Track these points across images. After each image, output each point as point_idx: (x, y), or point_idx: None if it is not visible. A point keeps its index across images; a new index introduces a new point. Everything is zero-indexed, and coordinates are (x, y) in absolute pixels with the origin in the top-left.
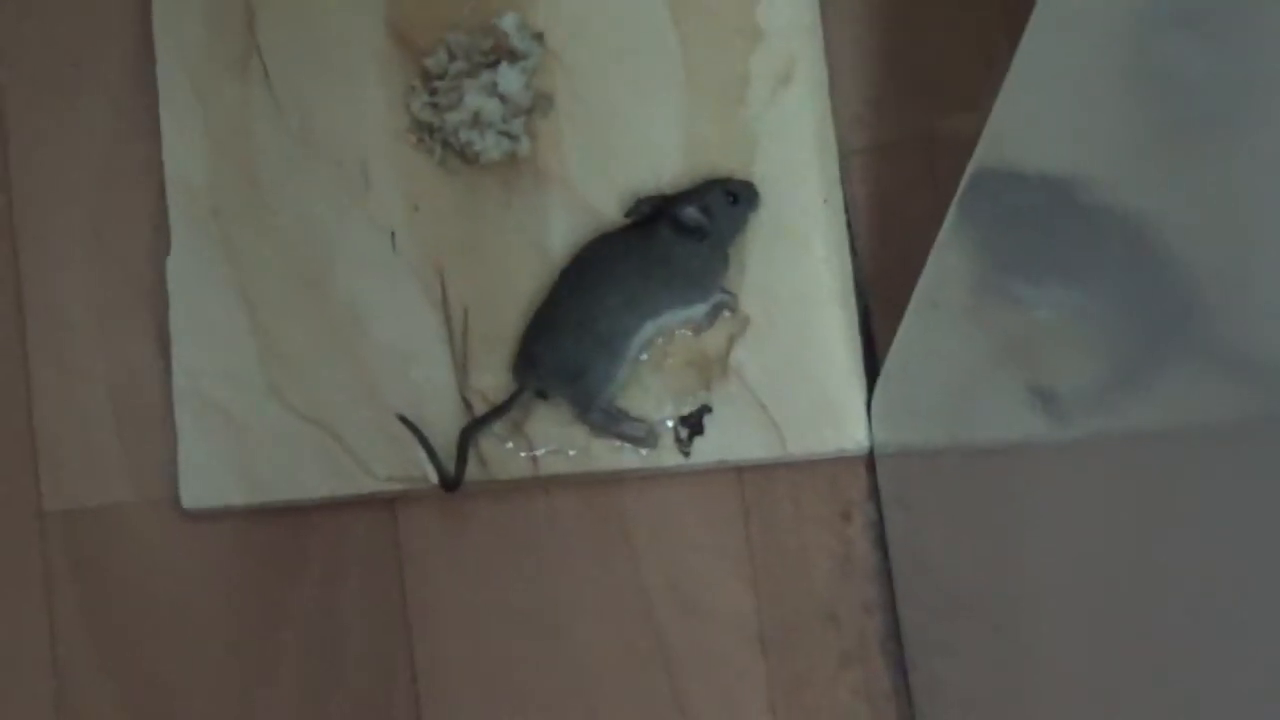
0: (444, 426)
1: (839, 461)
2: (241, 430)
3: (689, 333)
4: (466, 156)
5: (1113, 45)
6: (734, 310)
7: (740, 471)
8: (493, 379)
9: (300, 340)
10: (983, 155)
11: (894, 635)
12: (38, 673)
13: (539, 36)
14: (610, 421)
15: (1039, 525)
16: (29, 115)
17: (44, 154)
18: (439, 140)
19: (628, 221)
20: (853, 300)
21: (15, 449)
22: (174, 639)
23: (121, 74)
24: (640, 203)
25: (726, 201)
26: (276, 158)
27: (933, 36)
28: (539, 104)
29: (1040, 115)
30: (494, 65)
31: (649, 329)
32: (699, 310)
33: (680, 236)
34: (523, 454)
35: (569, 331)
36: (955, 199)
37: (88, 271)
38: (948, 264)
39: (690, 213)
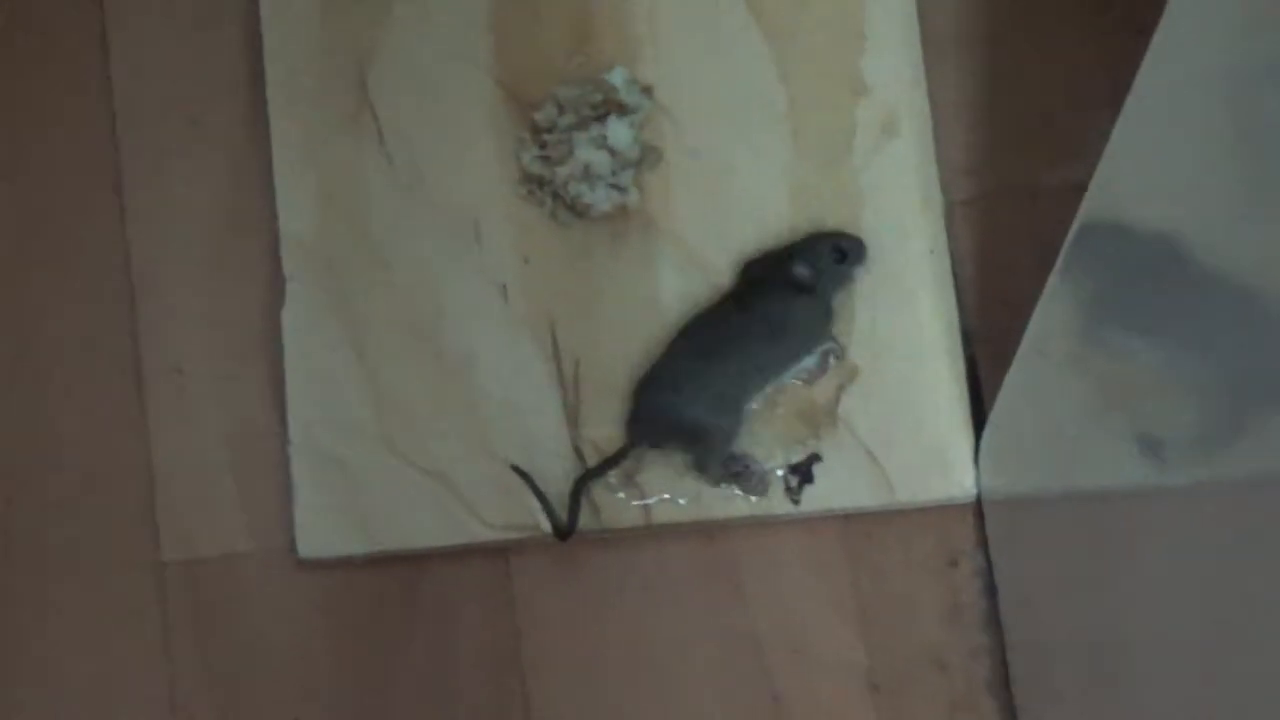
0: (556, 476)
1: (947, 509)
2: (356, 480)
3: (799, 382)
4: (577, 209)
5: (1222, 102)
6: (840, 358)
7: (849, 519)
8: (604, 429)
9: (413, 391)
10: (1089, 209)
11: (1002, 682)
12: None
13: (647, 90)
14: (730, 466)
15: (1147, 572)
16: (147, 172)
17: (161, 210)
18: (549, 193)
19: (740, 284)
20: (959, 349)
21: (135, 500)
22: (291, 687)
23: (237, 131)
24: (751, 264)
25: (835, 257)
26: (389, 211)
27: (1035, 88)
28: (648, 157)
29: (1147, 170)
30: (603, 119)
31: (760, 383)
32: (808, 362)
33: (789, 291)
34: (635, 503)
35: (686, 393)
36: (1062, 251)
37: (204, 325)
38: (1054, 314)
39: (801, 270)
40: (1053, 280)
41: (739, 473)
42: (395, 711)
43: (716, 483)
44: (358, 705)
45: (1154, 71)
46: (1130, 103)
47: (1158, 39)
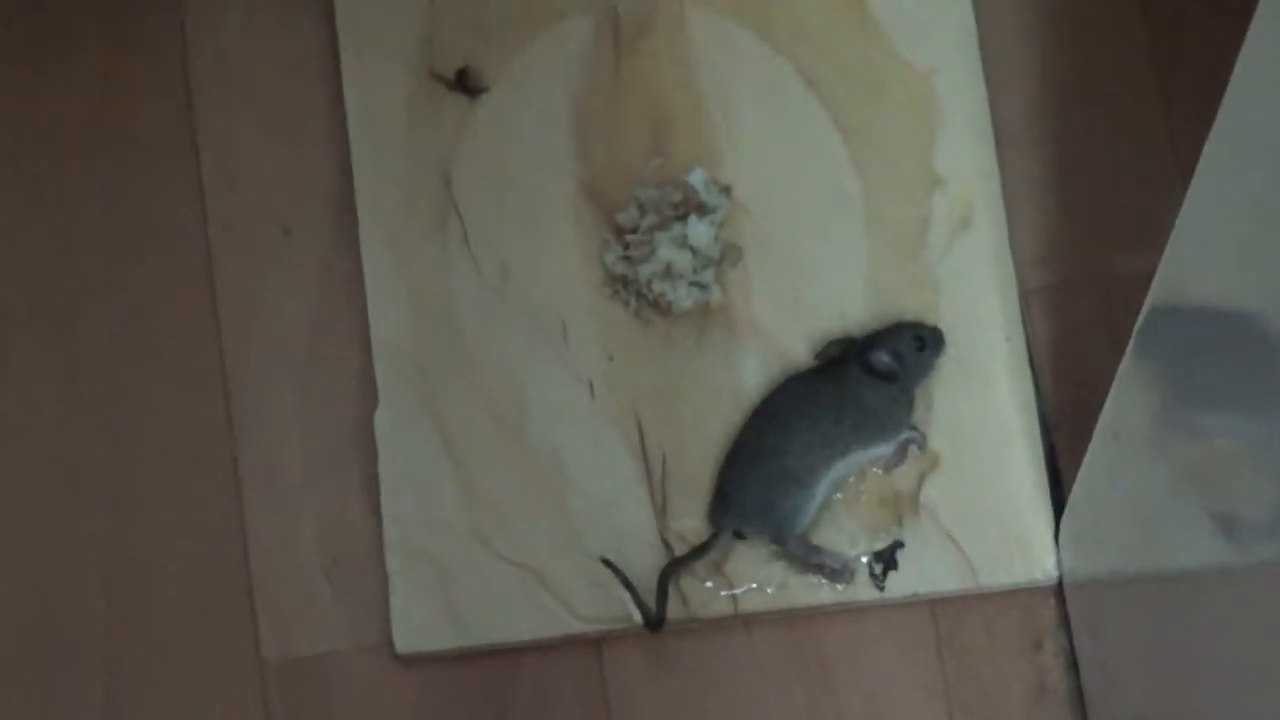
0: (645, 568)
1: (1030, 591)
2: (450, 575)
3: (880, 470)
4: (660, 307)
5: None
6: (922, 447)
7: (934, 604)
8: (691, 521)
9: (504, 488)
10: (1158, 291)
11: None
12: None
13: (726, 189)
14: (808, 554)
15: (1228, 651)
16: (240, 280)
17: (255, 316)
18: (633, 292)
19: (817, 363)
20: (1038, 434)
21: (235, 599)
22: None
23: (327, 238)
24: (830, 345)
25: (914, 347)
26: (477, 314)
27: (1107, 175)
28: (728, 254)
29: (1215, 250)
30: (683, 218)
31: (839, 467)
32: (887, 448)
33: (869, 380)
34: (723, 592)
35: (760, 470)
36: (1133, 334)
37: (298, 426)
38: (1128, 396)
39: (881, 357)
40: (1124, 364)
41: (821, 563)
42: None
43: (796, 565)
44: None
45: (1217, 151)
46: (1195, 184)
47: (1220, 119)
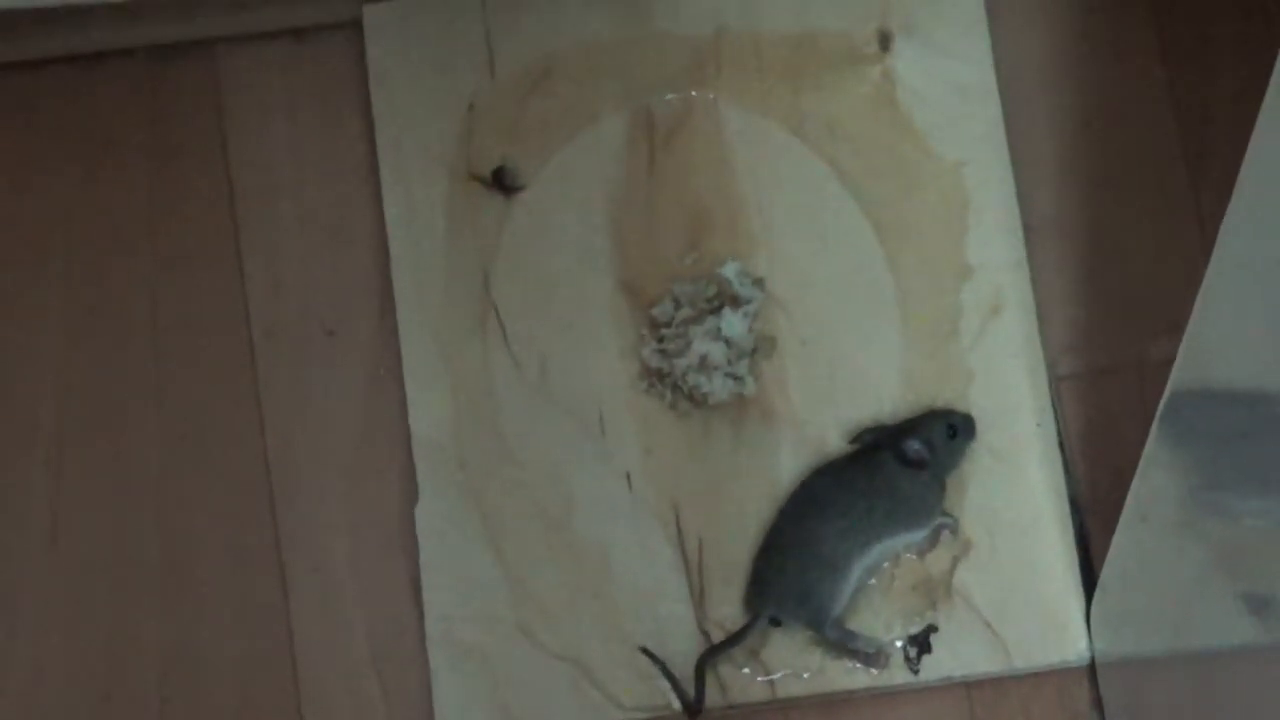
0: (686, 657)
1: (1064, 672)
2: (494, 669)
3: (914, 556)
4: (695, 399)
5: None
6: (955, 533)
7: (969, 687)
8: (729, 610)
9: (546, 580)
10: (1180, 375)
11: None
12: None
13: (759, 282)
14: (843, 639)
15: None
16: (284, 381)
17: (300, 416)
18: (669, 385)
19: (850, 449)
20: (1069, 518)
21: (283, 699)
22: None
23: (370, 339)
24: (863, 432)
25: (947, 435)
26: (517, 410)
27: (1137, 263)
28: (762, 346)
29: (1234, 333)
30: (718, 311)
31: (873, 554)
32: (920, 535)
33: (902, 467)
34: (760, 678)
35: (794, 557)
36: (1156, 418)
37: (344, 525)
38: (1154, 480)
39: (914, 446)
40: (1149, 448)
41: (856, 648)
42: None
43: (833, 649)
44: None
45: (1233, 234)
46: (1211, 268)
47: (1234, 204)
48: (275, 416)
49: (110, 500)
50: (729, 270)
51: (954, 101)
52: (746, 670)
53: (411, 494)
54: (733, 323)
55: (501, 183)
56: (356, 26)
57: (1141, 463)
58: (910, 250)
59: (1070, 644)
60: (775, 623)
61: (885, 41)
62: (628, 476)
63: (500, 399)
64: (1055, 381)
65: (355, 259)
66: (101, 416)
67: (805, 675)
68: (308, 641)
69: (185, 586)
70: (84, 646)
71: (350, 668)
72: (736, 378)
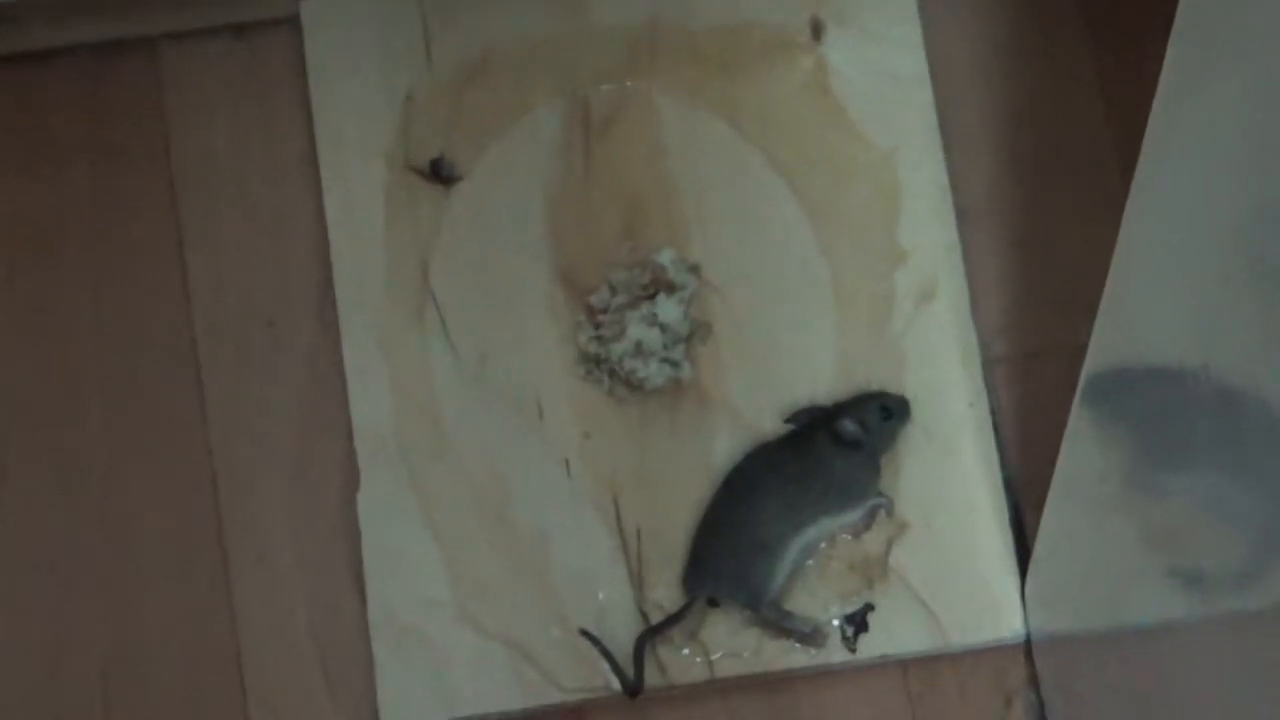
0: (626, 640)
1: (999, 650)
2: (435, 652)
3: (849, 537)
4: (632, 384)
5: (1220, 249)
6: (890, 513)
7: (906, 664)
8: (667, 592)
9: (486, 565)
10: (1095, 357)
11: None
12: None
13: (695, 269)
14: (781, 619)
15: (1194, 704)
16: (226, 373)
17: (242, 407)
18: (606, 371)
19: (786, 430)
20: (1003, 498)
21: (227, 685)
22: None
23: (311, 330)
24: (799, 413)
25: (881, 416)
26: (456, 398)
27: (1068, 248)
28: (698, 331)
29: (1145, 316)
30: (653, 297)
31: (809, 534)
32: (855, 515)
33: (837, 448)
34: (698, 659)
35: (731, 539)
36: (1075, 398)
37: (286, 514)
38: (1079, 458)
39: (848, 427)
40: (1070, 426)
41: (793, 628)
42: None
43: (770, 629)
44: None
45: (1139, 211)
46: (1120, 245)
47: (1137, 182)
48: (217, 407)
49: (54, 491)
50: (664, 257)
51: (887, 89)
52: (685, 651)
53: (353, 483)
54: (668, 308)
55: (439, 174)
56: (295, 22)
57: (1065, 441)
58: (843, 236)
59: (1005, 622)
60: (713, 604)
61: (818, 30)
62: (566, 462)
63: (439, 388)
64: (988, 364)
65: (296, 251)
66: (46, 410)
67: (744, 655)
68: (251, 629)
69: (129, 576)
70: (27, 636)
71: (294, 654)
72: (673, 363)
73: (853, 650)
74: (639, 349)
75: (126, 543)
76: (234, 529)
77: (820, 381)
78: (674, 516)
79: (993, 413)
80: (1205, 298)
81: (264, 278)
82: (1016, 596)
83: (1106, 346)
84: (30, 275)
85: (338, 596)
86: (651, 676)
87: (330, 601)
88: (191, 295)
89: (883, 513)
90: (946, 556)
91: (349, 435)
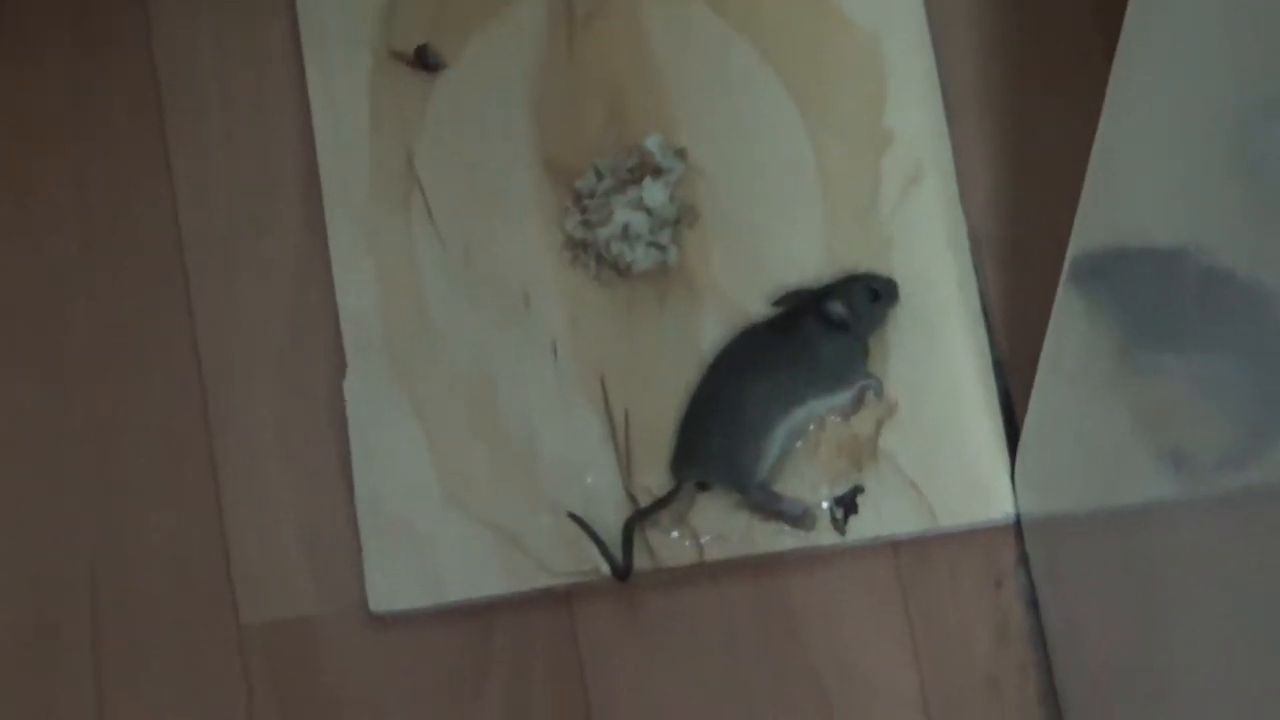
0: (614, 524)
1: (989, 531)
2: (422, 539)
3: (838, 419)
4: (619, 269)
5: (1203, 132)
6: (879, 395)
7: (896, 547)
8: (656, 476)
9: (475, 453)
10: (1081, 235)
11: (1052, 696)
12: None
13: (681, 153)
14: (769, 502)
15: (1184, 584)
16: (212, 261)
17: (227, 297)
18: (592, 255)
19: (773, 312)
20: (992, 379)
21: (212, 566)
22: None
23: (297, 223)
24: (786, 295)
25: (868, 297)
26: (442, 286)
27: (1056, 129)
28: (685, 215)
29: (1133, 196)
30: (639, 181)
31: (797, 416)
32: (843, 397)
33: (824, 330)
34: (687, 543)
35: (719, 421)
36: (1062, 277)
37: (273, 400)
38: (1067, 338)
39: (835, 308)
40: (1058, 302)
41: (782, 511)
42: None
43: (759, 511)
44: None
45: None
46: (1103, 120)
47: (1118, 61)
48: (203, 301)
49: (40, 388)
50: (651, 142)
51: None
52: (674, 535)
53: (339, 373)
54: (654, 192)
55: (424, 61)
56: None
57: (1051, 322)
58: (829, 120)
59: (995, 503)
60: (702, 487)
61: None
62: (553, 348)
63: (425, 275)
64: (976, 246)
65: (280, 142)
66: (31, 306)
67: (733, 538)
68: (238, 520)
69: (115, 471)
70: (15, 533)
71: (281, 543)
72: (660, 247)
73: (842, 532)
74: (625, 233)
75: (113, 438)
76: (219, 420)
77: (807, 265)
78: (662, 401)
79: (981, 295)
80: (1190, 180)
81: (248, 169)
82: (1006, 478)
83: (1091, 228)
84: (13, 167)
85: (325, 486)
86: (640, 560)
87: (317, 491)
88: (176, 188)
89: (871, 395)
90: (936, 438)
91: (336, 326)
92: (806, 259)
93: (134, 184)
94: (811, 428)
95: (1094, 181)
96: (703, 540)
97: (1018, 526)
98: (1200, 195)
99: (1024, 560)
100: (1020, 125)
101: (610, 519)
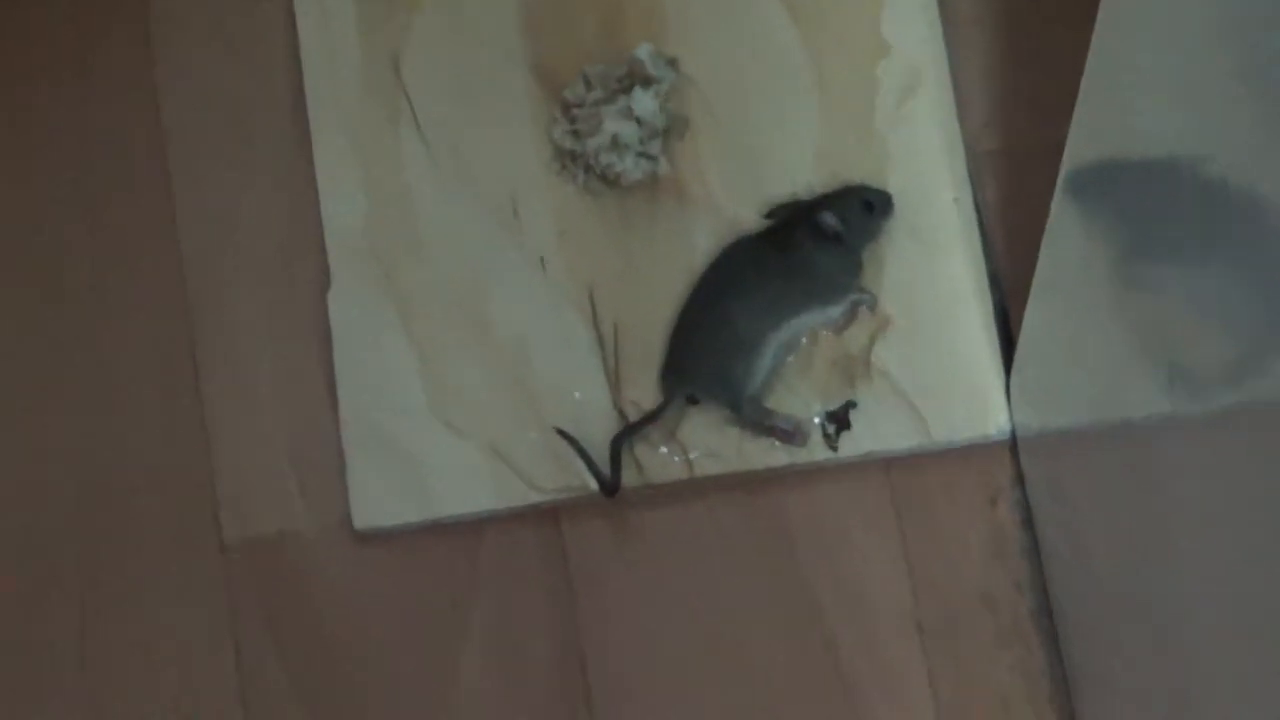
0: (603, 440)
1: (984, 448)
2: (408, 453)
3: (832, 333)
4: (608, 179)
5: (1206, 38)
6: (873, 309)
7: (890, 464)
8: (645, 390)
9: (461, 366)
10: (1076, 147)
11: (1047, 612)
12: (225, 698)
13: (672, 62)
14: (761, 417)
15: (1179, 499)
16: (196, 170)
17: (211, 206)
18: (581, 166)
19: (765, 225)
20: (988, 293)
21: (196, 484)
22: (359, 658)
23: (284, 135)
24: (779, 207)
25: (863, 209)
26: (429, 197)
27: (1055, 41)
28: (676, 125)
29: (1130, 106)
30: (629, 91)
31: (789, 330)
32: (836, 311)
33: (817, 242)
34: (677, 458)
35: (710, 335)
36: (1057, 190)
37: (258, 315)
38: (1063, 251)
39: (828, 220)
40: (1052, 215)
41: (774, 426)
42: (461, 676)
43: (750, 427)
44: (425, 673)
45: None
46: (1097, 36)
47: None
48: (189, 215)
49: (25, 307)
50: (641, 51)
51: None
52: (663, 450)
53: (326, 286)
54: (644, 101)
55: None
56: None
57: (1046, 235)
58: (825, 29)
59: (991, 419)
60: (692, 402)
61: None
62: (542, 260)
63: (413, 186)
64: (973, 158)
65: (267, 51)
66: (18, 226)
67: (723, 454)
68: (224, 434)
69: (101, 389)
70: (4, 446)
71: (267, 462)
72: (650, 157)
73: (834, 448)
74: (615, 143)
75: (99, 354)
76: (205, 335)
77: (801, 175)
78: (652, 314)
79: (977, 208)
80: (1189, 88)
81: (235, 80)
82: (1002, 394)
83: (1086, 140)
84: (2, 88)
85: (311, 400)
86: (629, 476)
87: (303, 405)
88: (161, 101)
89: (865, 309)
90: (931, 353)
91: (322, 238)
92: (800, 169)
93: (119, 95)
94: (804, 342)
95: (1089, 91)
96: (692, 456)
97: (1013, 443)
98: (1200, 103)
99: (1019, 477)
100: (1017, 36)
101: (599, 433)
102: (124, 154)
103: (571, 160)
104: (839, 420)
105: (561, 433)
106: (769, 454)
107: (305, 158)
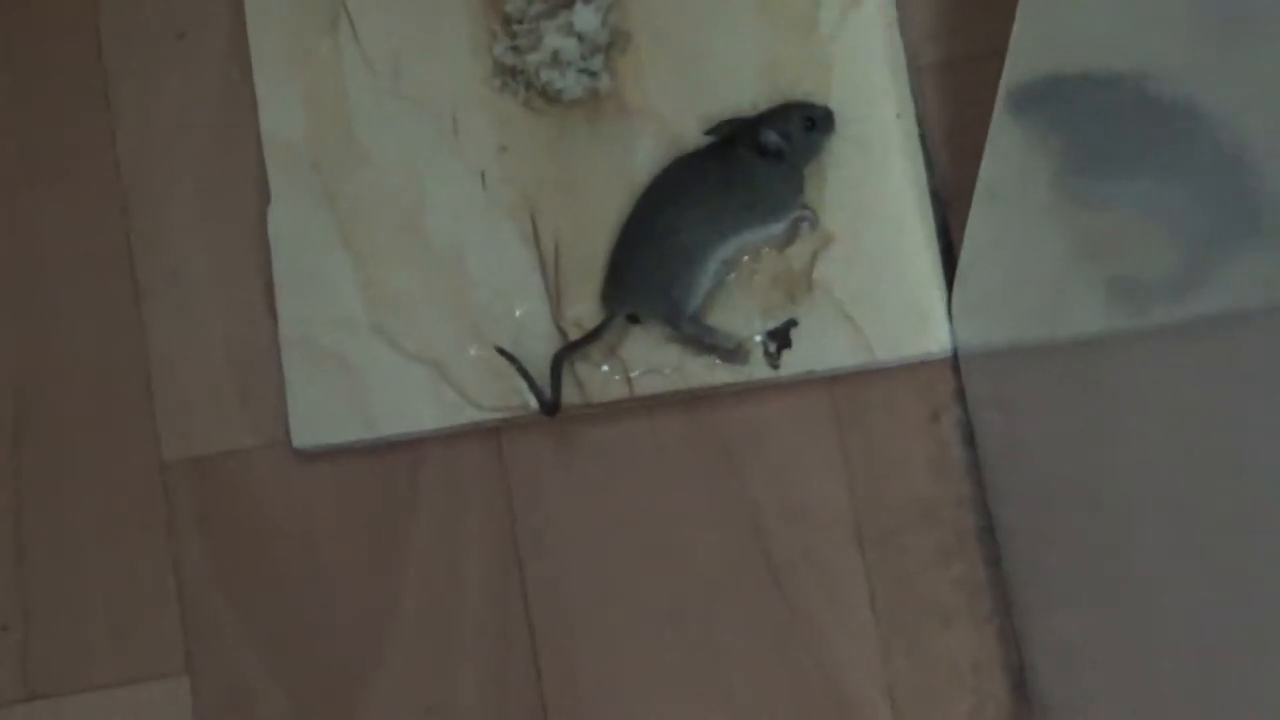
0: (544, 357)
1: (926, 365)
2: (349, 371)
3: (773, 250)
4: (549, 96)
5: None
6: (814, 226)
7: (833, 382)
8: (586, 308)
9: (401, 282)
10: (1016, 60)
11: (989, 529)
12: (166, 616)
13: None
14: (701, 334)
15: (1120, 414)
16: (135, 88)
17: (151, 120)
18: (522, 82)
19: (708, 141)
20: (929, 210)
21: (134, 402)
22: (299, 577)
23: (222, 43)
24: (721, 124)
25: (804, 126)
26: (369, 110)
27: None
28: (617, 41)
29: (1071, 17)
30: (570, 5)
31: (730, 247)
32: (778, 227)
33: (759, 159)
34: (617, 377)
35: (650, 251)
36: (997, 103)
37: (197, 229)
38: (1002, 164)
39: (770, 136)
40: (993, 127)
41: (715, 344)
42: (402, 593)
43: (691, 345)
44: (366, 590)
45: None
46: None
47: None
48: (126, 123)
49: None
50: None
51: None
52: (604, 369)
53: (266, 198)
54: (585, 16)
55: None
56: None
57: (987, 147)
58: None
59: (932, 336)
60: (633, 319)
61: None
62: (482, 176)
63: (352, 99)
64: (916, 71)
65: None
66: None
67: (665, 372)
68: (161, 346)
69: (38, 297)
70: None
71: (205, 371)
72: (591, 73)
73: (776, 367)
74: (555, 59)
75: (34, 261)
76: (143, 245)
77: (744, 90)
78: (593, 231)
79: (920, 122)
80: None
81: None
82: (944, 311)
83: (1027, 51)
84: None
85: (250, 314)
86: (569, 395)
87: (242, 319)
88: (100, 11)
89: (806, 226)
90: (873, 270)
91: (260, 149)
92: (743, 83)
93: (59, 7)
94: (745, 259)
95: (1029, 2)
96: (633, 374)
97: (955, 360)
98: (1140, 13)
99: (961, 394)
100: None
101: (539, 351)
102: (61, 65)
103: (512, 76)
104: (780, 339)
105: (502, 351)
106: (710, 372)
107: (244, 67)
